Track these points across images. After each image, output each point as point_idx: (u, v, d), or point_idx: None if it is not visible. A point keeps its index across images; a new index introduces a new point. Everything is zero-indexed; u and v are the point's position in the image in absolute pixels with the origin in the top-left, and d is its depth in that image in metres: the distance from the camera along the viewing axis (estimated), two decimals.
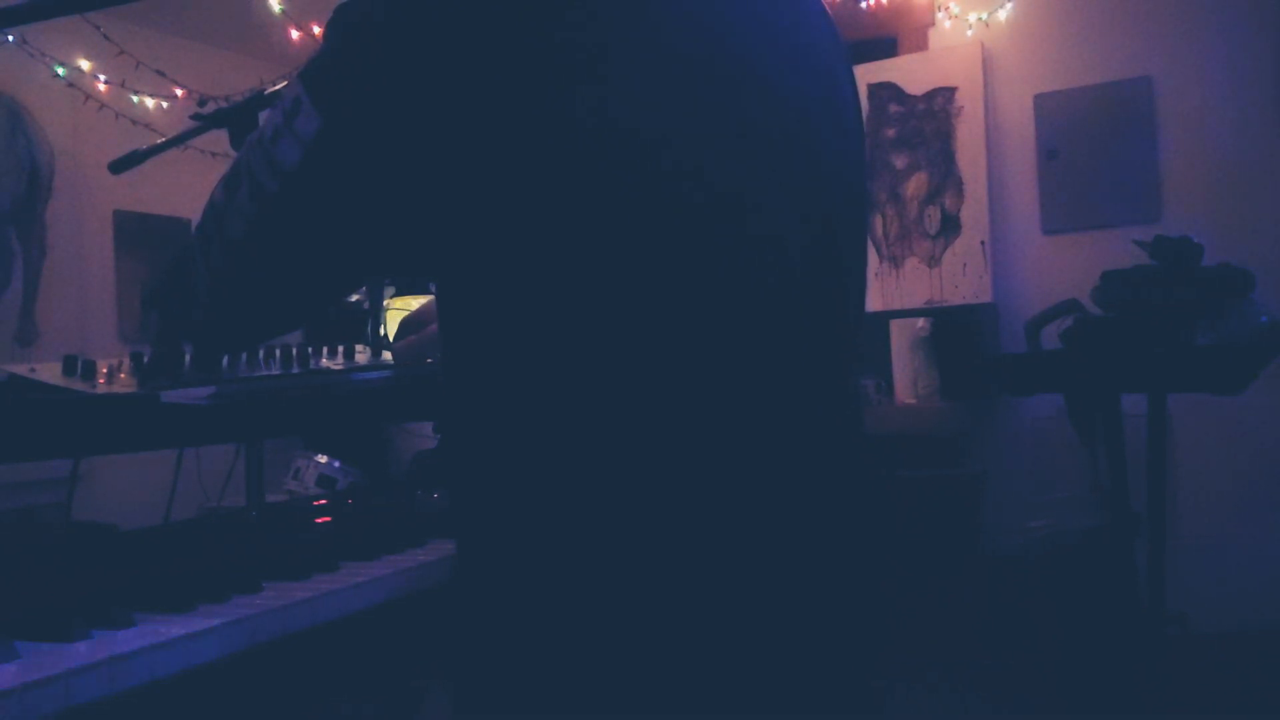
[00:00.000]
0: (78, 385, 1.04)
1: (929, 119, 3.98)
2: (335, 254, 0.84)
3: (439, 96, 0.75)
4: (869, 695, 0.89)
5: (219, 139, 1.42)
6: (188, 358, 1.10)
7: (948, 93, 3.95)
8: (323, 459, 3.66)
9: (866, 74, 4.03)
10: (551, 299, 0.76)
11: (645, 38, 0.77)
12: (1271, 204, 3.45)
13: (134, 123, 4.03)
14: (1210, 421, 3.39)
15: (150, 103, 4.09)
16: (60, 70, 3.82)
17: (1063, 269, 3.64)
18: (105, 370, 1.08)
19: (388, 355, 1.32)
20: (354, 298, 2.65)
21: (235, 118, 1.35)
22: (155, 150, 1.46)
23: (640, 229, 0.75)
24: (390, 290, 2.47)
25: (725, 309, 0.78)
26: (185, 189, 3.90)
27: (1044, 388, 2.99)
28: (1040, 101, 3.81)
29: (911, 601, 3.10)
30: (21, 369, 1.06)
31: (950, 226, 3.92)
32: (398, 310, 2.23)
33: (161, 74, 4.04)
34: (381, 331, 2.07)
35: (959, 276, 3.89)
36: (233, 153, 1.17)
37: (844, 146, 0.93)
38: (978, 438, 3.76)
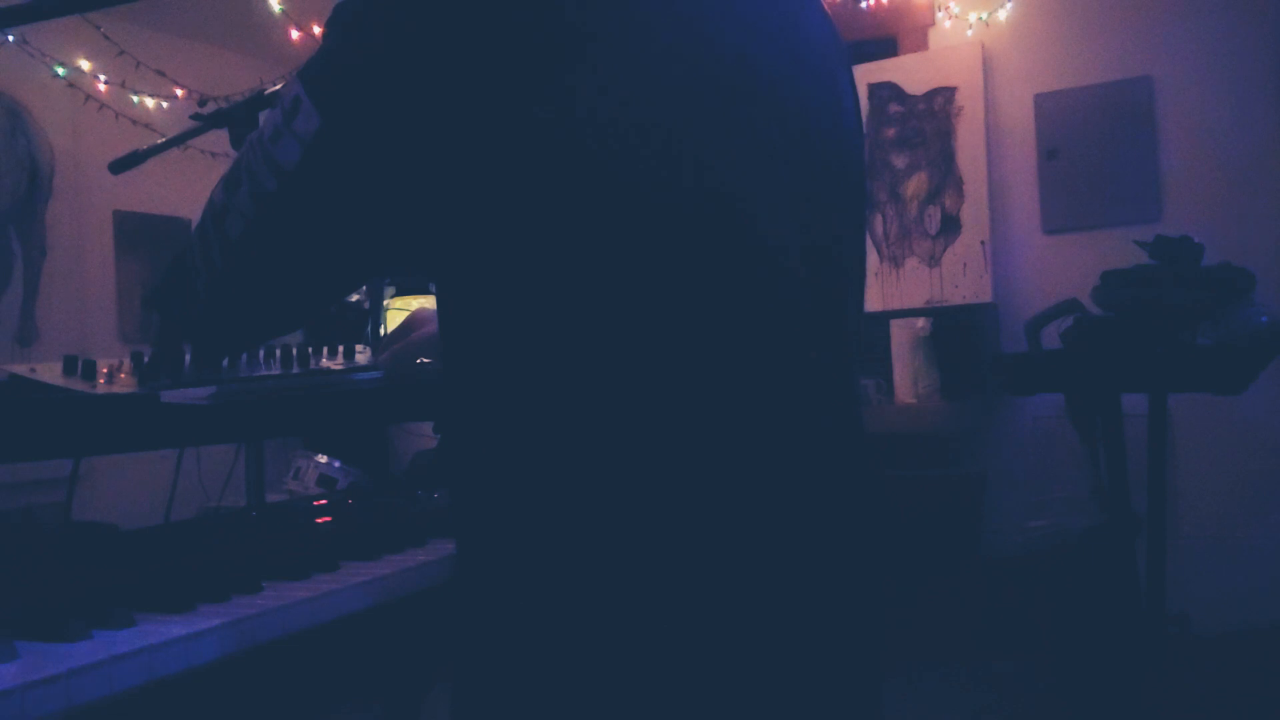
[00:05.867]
0: (78, 385, 1.04)
1: (929, 119, 3.98)
2: (335, 253, 0.84)
3: (438, 94, 0.75)
4: (870, 695, 0.89)
5: (219, 139, 1.42)
6: (188, 358, 1.10)
7: (948, 92, 3.95)
8: (323, 459, 3.65)
9: (866, 74, 4.04)
10: (551, 299, 0.76)
11: (641, 37, 0.77)
12: (1271, 204, 3.45)
13: (134, 123, 4.03)
14: (1210, 421, 3.39)
15: (150, 103, 4.09)
16: (60, 70, 3.82)
17: (1063, 269, 3.64)
18: (105, 370, 1.08)
19: None
20: (354, 298, 2.65)
21: (235, 118, 1.35)
22: (155, 150, 1.46)
23: (640, 230, 0.75)
24: (390, 290, 2.47)
25: (727, 310, 0.78)
26: (185, 189, 3.91)
27: (1044, 388, 2.98)
28: (1040, 101, 3.81)
29: (911, 602, 3.10)
30: (21, 369, 1.06)
31: (950, 226, 3.92)
32: (398, 310, 2.23)
33: (161, 74, 4.04)
34: (382, 331, 2.07)
35: (959, 276, 3.89)
36: (233, 153, 1.17)
37: (844, 147, 0.94)
38: (978, 438, 3.76)
